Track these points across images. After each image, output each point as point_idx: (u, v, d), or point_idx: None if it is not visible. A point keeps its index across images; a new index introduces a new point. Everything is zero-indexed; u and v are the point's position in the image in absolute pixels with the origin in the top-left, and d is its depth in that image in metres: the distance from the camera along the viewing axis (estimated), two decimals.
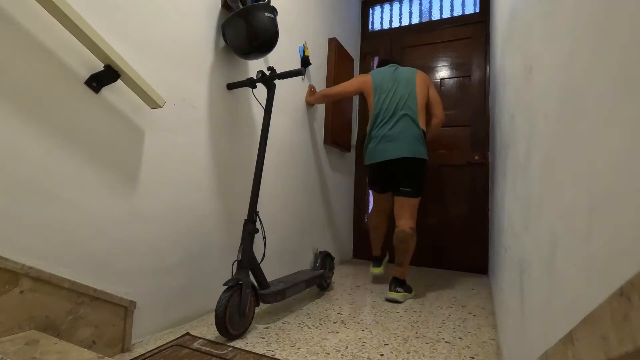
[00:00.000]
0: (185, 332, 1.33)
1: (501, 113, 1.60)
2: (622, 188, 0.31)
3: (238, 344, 1.26)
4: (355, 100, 3.21)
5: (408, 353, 1.25)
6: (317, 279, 1.90)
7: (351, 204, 3.24)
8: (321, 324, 1.51)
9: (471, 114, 2.86)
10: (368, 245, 2.53)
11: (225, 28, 1.57)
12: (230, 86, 1.66)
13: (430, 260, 2.90)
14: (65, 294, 0.99)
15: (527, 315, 0.72)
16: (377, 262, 2.34)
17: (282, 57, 2.05)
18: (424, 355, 1.23)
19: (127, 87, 1.14)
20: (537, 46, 0.72)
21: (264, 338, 1.33)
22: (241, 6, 1.57)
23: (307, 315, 1.62)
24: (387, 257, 2.46)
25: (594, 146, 0.38)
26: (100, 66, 1.07)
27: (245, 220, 1.44)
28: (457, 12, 3.04)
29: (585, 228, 0.39)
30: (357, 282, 2.34)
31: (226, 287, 1.29)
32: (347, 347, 1.27)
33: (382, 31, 3.33)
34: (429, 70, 3.04)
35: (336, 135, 2.72)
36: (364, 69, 3.30)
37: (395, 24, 3.30)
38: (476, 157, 2.77)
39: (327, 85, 2.64)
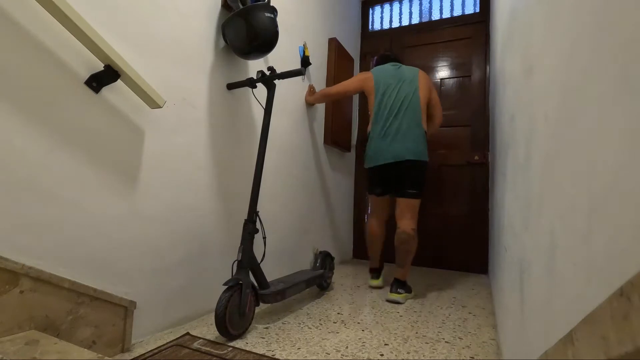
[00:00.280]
0: (185, 332, 1.33)
1: (501, 113, 1.60)
2: (622, 188, 0.31)
3: (238, 344, 1.26)
4: (356, 100, 3.21)
5: (408, 353, 1.25)
6: (317, 279, 1.90)
7: (351, 204, 3.24)
8: (321, 324, 1.51)
9: (471, 114, 2.86)
10: (366, 254, 2.46)
11: (225, 28, 1.57)
12: (230, 86, 1.66)
13: (430, 260, 2.90)
14: (65, 294, 0.99)
15: (527, 315, 0.72)
16: (376, 273, 2.22)
17: (282, 57, 2.05)
18: (424, 355, 1.23)
19: (127, 87, 1.14)
20: (537, 46, 0.72)
21: (264, 338, 1.33)
22: (241, 6, 1.57)
23: (307, 315, 1.62)
24: (383, 270, 2.32)
25: (594, 146, 0.38)
26: (100, 66, 1.07)
27: (245, 220, 1.44)
28: (457, 12, 3.04)
29: (585, 228, 0.39)
30: (357, 282, 2.34)
31: (226, 287, 1.29)
32: (347, 347, 1.27)
33: (382, 31, 3.33)
34: (429, 70, 3.04)
35: (336, 135, 2.72)
36: (364, 69, 3.29)
37: (395, 24, 3.30)
38: (476, 157, 2.77)
39: (327, 85, 2.64)
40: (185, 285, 1.43)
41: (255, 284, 1.46)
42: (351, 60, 3.00)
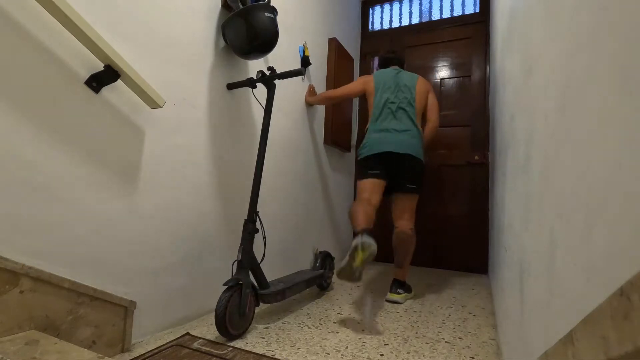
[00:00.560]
0: (185, 332, 1.33)
1: (501, 113, 1.60)
2: (622, 188, 0.31)
3: (238, 344, 1.26)
4: (355, 100, 3.21)
5: (408, 353, 1.25)
6: (317, 279, 1.90)
7: (351, 204, 3.24)
8: (321, 324, 1.51)
9: (471, 114, 2.86)
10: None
11: (225, 28, 1.57)
12: (230, 86, 1.66)
13: (430, 260, 2.90)
14: (65, 294, 0.99)
15: (527, 315, 0.72)
16: (368, 231, 1.59)
17: (282, 57, 2.05)
18: (424, 355, 1.23)
19: (127, 87, 1.14)
20: (537, 46, 0.72)
21: (264, 338, 1.33)
22: (241, 6, 1.57)
23: (307, 315, 1.62)
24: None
25: (594, 146, 0.38)
26: (100, 66, 1.07)
27: (245, 220, 1.44)
28: (457, 12, 3.04)
29: (585, 228, 0.39)
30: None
31: (226, 287, 1.29)
32: (347, 347, 1.27)
33: (382, 31, 3.33)
34: (429, 70, 3.04)
35: (336, 135, 2.72)
36: (364, 69, 3.30)
37: (395, 24, 3.30)
38: (476, 157, 2.77)
39: (327, 86, 2.64)
40: (185, 285, 1.43)
41: (255, 284, 1.46)
42: (351, 60, 3.00)
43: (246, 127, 1.80)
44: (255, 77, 1.60)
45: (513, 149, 1.09)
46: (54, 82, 0.99)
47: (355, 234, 1.60)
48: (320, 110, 2.61)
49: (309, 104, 2.40)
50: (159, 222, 1.32)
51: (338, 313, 1.67)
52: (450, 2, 3.08)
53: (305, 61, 2.29)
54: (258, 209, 1.49)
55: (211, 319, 1.47)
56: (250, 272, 1.42)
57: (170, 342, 1.23)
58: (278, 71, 1.58)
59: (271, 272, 1.83)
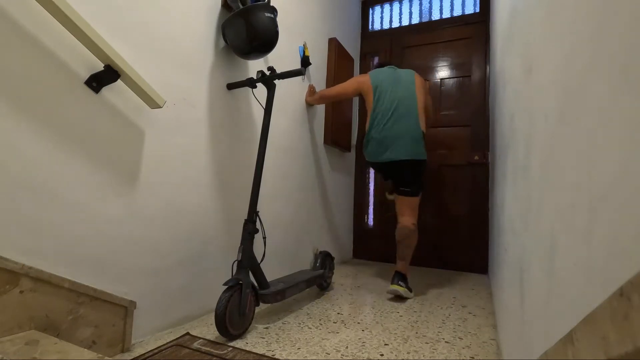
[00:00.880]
0: (185, 332, 1.33)
1: (501, 113, 1.60)
2: (622, 188, 0.31)
3: (238, 344, 1.26)
4: (355, 100, 3.21)
5: (408, 353, 1.25)
6: (317, 279, 1.90)
7: (351, 204, 3.24)
8: (321, 324, 1.51)
9: (471, 114, 2.86)
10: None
11: (225, 28, 1.57)
12: (230, 86, 1.66)
13: (430, 260, 2.90)
14: (65, 294, 0.99)
15: (527, 315, 0.72)
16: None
17: (282, 57, 2.05)
18: (424, 355, 1.23)
19: (127, 87, 1.14)
20: (537, 46, 0.72)
21: (264, 338, 1.33)
22: (241, 6, 1.57)
23: (307, 315, 1.62)
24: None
25: (594, 146, 0.38)
26: (100, 66, 1.07)
27: (245, 220, 1.44)
28: (457, 12, 3.04)
29: (585, 228, 0.39)
30: (357, 282, 2.34)
31: (226, 287, 1.29)
32: (347, 347, 1.27)
33: (382, 31, 3.33)
34: (429, 70, 3.04)
35: (336, 135, 2.72)
36: (364, 69, 3.29)
37: (395, 24, 3.30)
38: (476, 157, 2.77)
39: (327, 85, 2.64)
40: (185, 285, 1.43)
41: (255, 284, 1.46)
42: (351, 60, 3.00)
43: (246, 127, 1.80)
44: (255, 77, 1.60)
45: (513, 149, 1.08)
46: (53, 82, 0.99)
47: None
48: (320, 110, 2.61)
49: (309, 104, 2.40)
50: (159, 222, 1.32)
51: (338, 313, 1.67)
52: (450, 2, 3.08)
53: (305, 61, 2.29)
54: (258, 209, 1.49)
55: (211, 319, 1.47)
56: (250, 272, 1.42)
57: (170, 342, 1.23)
58: (278, 71, 1.58)
59: (271, 272, 1.83)
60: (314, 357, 1.18)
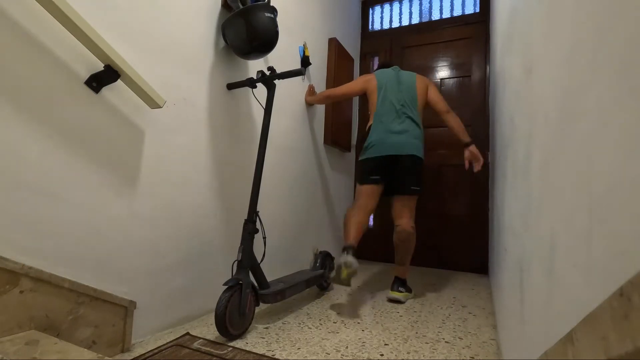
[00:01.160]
0: (185, 332, 1.33)
1: (501, 113, 1.60)
2: (622, 188, 0.31)
3: (238, 344, 1.26)
4: (355, 100, 3.21)
5: (408, 353, 1.25)
6: (317, 279, 1.90)
7: (351, 204, 3.24)
8: (321, 324, 1.51)
9: (471, 114, 2.86)
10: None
11: (225, 28, 1.57)
12: (230, 86, 1.66)
13: (430, 260, 2.90)
14: (65, 294, 0.99)
15: (527, 315, 0.72)
16: (351, 249, 1.74)
17: (282, 57, 2.05)
18: (424, 355, 1.23)
19: (127, 87, 1.14)
20: (537, 46, 0.72)
21: (264, 338, 1.33)
22: (241, 6, 1.57)
23: (307, 315, 1.62)
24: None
25: (594, 146, 0.38)
26: (100, 66, 1.07)
27: (245, 220, 1.44)
28: (457, 12, 3.05)
29: (585, 228, 0.39)
30: (357, 282, 2.34)
31: (226, 287, 1.29)
32: (347, 347, 1.27)
33: (382, 31, 3.33)
34: (429, 70, 3.04)
35: (336, 135, 2.72)
36: (364, 69, 3.30)
37: (395, 24, 3.30)
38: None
39: (327, 86, 2.64)
40: (185, 285, 1.43)
41: (255, 284, 1.46)
42: (351, 60, 3.00)
43: (246, 127, 1.80)
44: (255, 77, 1.60)
45: (513, 149, 1.08)
46: (53, 82, 0.99)
47: (343, 248, 1.77)
48: (320, 110, 2.61)
49: (309, 104, 2.40)
50: (159, 221, 1.32)
51: (338, 313, 1.67)
52: (450, 2, 3.08)
53: (305, 61, 2.29)
54: (258, 209, 1.49)
55: (211, 319, 1.47)
56: (250, 272, 1.42)
57: (170, 342, 1.23)
58: (278, 71, 1.58)
59: (271, 272, 1.83)
60: (314, 357, 1.18)
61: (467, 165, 2.07)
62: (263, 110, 1.71)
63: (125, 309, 1.15)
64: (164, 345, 1.20)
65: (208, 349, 1.19)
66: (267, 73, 1.58)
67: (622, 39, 0.32)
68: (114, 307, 1.12)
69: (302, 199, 2.35)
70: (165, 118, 1.34)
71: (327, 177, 2.73)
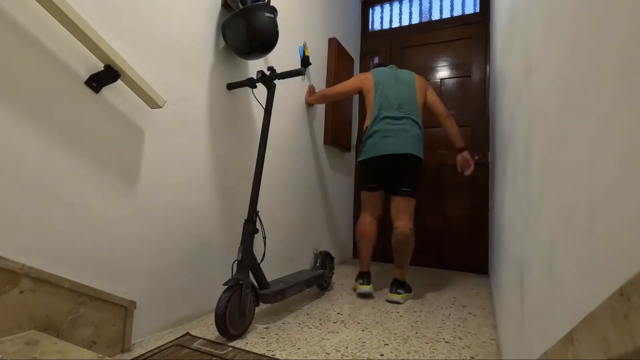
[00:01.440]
0: (185, 332, 1.33)
1: (501, 113, 1.60)
2: (622, 188, 0.31)
3: (238, 344, 1.26)
4: (355, 100, 3.21)
5: (408, 353, 1.25)
6: (317, 279, 1.90)
7: (351, 204, 3.24)
8: (321, 324, 1.51)
9: (471, 114, 2.86)
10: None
11: (225, 28, 1.57)
12: (230, 86, 1.66)
13: (430, 260, 2.90)
14: (65, 294, 0.99)
15: (527, 315, 0.72)
16: (366, 278, 2.00)
17: (282, 57, 2.05)
18: (424, 355, 1.23)
19: (127, 87, 1.14)
20: (537, 46, 0.72)
21: (264, 338, 1.33)
22: (241, 6, 1.57)
23: (307, 315, 1.62)
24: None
25: (594, 146, 0.38)
26: (100, 66, 1.07)
27: (245, 220, 1.44)
28: (457, 12, 3.05)
29: (585, 228, 0.39)
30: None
31: (226, 287, 1.29)
32: (347, 347, 1.27)
33: (382, 31, 3.33)
34: (429, 70, 3.04)
35: (336, 135, 2.72)
36: (364, 69, 3.30)
37: (395, 24, 3.30)
38: (476, 157, 2.76)
39: (327, 86, 2.64)
40: (185, 285, 1.43)
41: (255, 284, 1.46)
42: (351, 60, 3.00)
43: (246, 127, 1.80)
44: (255, 77, 1.60)
45: (513, 149, 1.08)
46: (53, 82, 0.99)
47: (359, 274, 2.05)
48: (320, 110, 2.61)
49: (308, 104, 2.40)
50: (159, 221, 1.32)
51: (338, 313, 1.67)
52: (450, 2, 3.08)
53: (305, 61, 2.29)
54: (258, 209, 1.49)
55: (211, 319, 1.47)
56: (250, 272, 1.42)
57: (170, 342, 1.23)
58: (278, 71, 1.58)
59: (271, 272, 1.83)
60: (314, 357, 1.18)
61: (459, 169, 2.15)
62: (263, 110, 1.71)
63: (125, 309, 1.15)
64: (164, 345, 1.20)
65: (208, 349, 1.19)
66: (267, 73, 1.58)
67: (622, 39, 0.32)
68: (114, 307, 1.12)
69: (302, 198, 2.35)
70: (165, 118, 1.34)
71: (327, 177, 2.73)
